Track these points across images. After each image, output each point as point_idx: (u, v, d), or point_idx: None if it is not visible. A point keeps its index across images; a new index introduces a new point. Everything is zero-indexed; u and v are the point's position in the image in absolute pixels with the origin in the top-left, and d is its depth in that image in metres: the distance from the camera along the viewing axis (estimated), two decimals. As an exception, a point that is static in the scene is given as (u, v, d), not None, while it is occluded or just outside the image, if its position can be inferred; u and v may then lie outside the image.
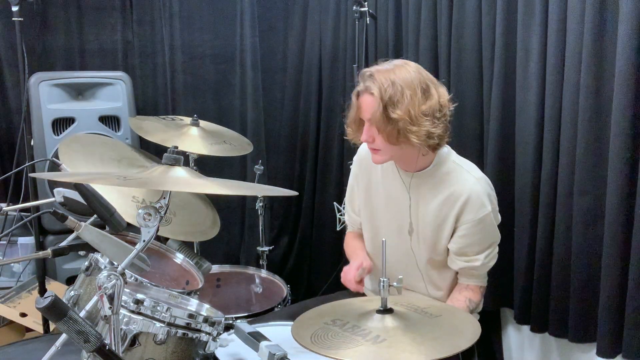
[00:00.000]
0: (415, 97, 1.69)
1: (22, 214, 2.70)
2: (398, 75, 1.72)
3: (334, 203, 2.68)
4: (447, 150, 1.87)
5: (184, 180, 1.37)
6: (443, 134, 1.75)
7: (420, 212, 1.87)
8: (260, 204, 2.84)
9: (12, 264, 2.89)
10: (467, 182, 1.81)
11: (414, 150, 1.78)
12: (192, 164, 2.63)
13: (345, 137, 1.95)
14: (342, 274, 1.93)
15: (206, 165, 2.92)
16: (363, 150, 2.04)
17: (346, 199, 2.15)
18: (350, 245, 2.14)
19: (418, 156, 1.81)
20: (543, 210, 2.10)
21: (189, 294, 1.81)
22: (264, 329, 1.66)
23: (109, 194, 1.79)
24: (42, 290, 2.69)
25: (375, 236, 2.01)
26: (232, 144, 2.54)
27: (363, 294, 2.07)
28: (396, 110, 1.69)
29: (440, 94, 1.76)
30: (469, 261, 1.84)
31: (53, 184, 2.79)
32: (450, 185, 1.82)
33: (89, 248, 1.39)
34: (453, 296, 1.90)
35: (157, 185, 1.37)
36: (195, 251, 2.40)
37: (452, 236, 1.84)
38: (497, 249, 1.88)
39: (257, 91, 3.52)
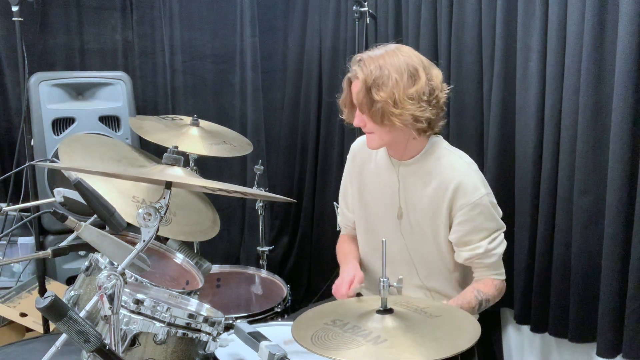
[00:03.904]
0: (401, 80, 1.70)
1: (22, 214, 2.70)
2: (387, 60, 1.74)
3: (334, 203, 2.68)
4: (438, 139, 1.88)
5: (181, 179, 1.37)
6: (434, 117, 1.76)
7: (410, 198, 1.87)
8: (260, 204, 2.84)
9: (12, 264, 2.89)
10: (458, 166, 1.82)
11: (404, 134, 1.79)
12: (192, 164, 2.62)
13: (340, 117, 1.96)
14: (334, 287, 1.90)
15: (206, 166, 2.92)
16: (356, 146, 2.05)
17: (340, 197, 2.16)
18: (343, 248, 2.14)
19: (408, 140, 1.81)
20: (543, 210, 2.10)
21: (189, 294, 1.81)
22: (264, 329, 1.66)
23: (109, 194, 1.79)
24: (42, 290, 2.69)
25: (370, 230, 2.01)
26: (232, 144, 2.54)
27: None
28: (379, 92, 1.70)
29: (432, 76, 1.76)
30: (472, 249, 1.81)
31: (53, 184, 2.79)
32: (442, 171, 1.82)
33: (89, 248, 1.39)
34: (464, 290, 1.87)
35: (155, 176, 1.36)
36: (195, 251, 2.40)
37: (450, 227, 1.83)
38: (502, 236, 1.85)
39: (257, 91, 3.52)
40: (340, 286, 1.88)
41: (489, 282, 1.86)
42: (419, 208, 1.86)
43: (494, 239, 1.82)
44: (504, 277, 1.89)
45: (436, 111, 1.76)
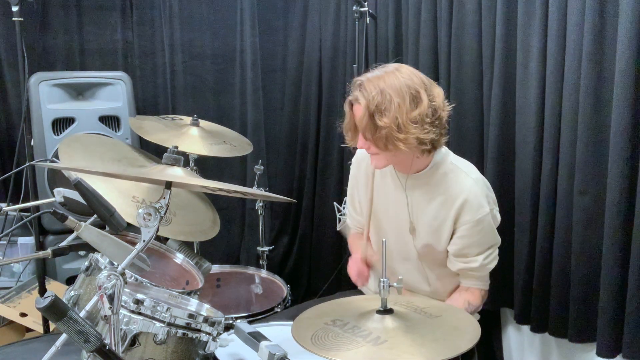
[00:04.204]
0: (403, 104, 1.68)
1: (22, 214, 2.70)
2: (387, 83, 1.70)
3: (334, 203, 2.68)
4: (444, 151, 1.87)
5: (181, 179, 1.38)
6: (437, 138, 1.74)
7: (418, 212, 1.88)
8: (260, 204, 2.84)
9: (12, 264, 2.89)
10: (465, 183, 1.81)
11: (408, 154, 1.78)
12: (192, 164, 2.63)
13: (342, 145, 1.95)
14: (349, 268, 1.95)
15: (206, 166, 2.92)
16: (359, 153, 2.04)
17: (347, 200, 2.16)
18: (354, 242, 2.15)
19: (413, 159, 1.81)
20: (543, 210, 2.10)
21: (189, 294, 1.81)
22: (264, 329, 1.66)
23: (109, 194, 1.79)
24: (42, 290, 2.69)
25: (379, 236, 2.01)
26: (232, 144, 2.54)
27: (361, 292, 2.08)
28: (383, 118, 1.68)
29: (434, 96, 1.73)
30: (468, 262, 1.84)
31: (53, 184, 2.79)
32: (448, 187, 1.82)
33: (89, 248, 1.39)
34: (453, 297, 1.90)
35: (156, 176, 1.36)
36: (195, 251, 2.40)
37: (451, 238, 1.84)
38: (497, 252, 1.88)
39: (257, 91, 3.52)
40: (354, 268, 1.96)
41: (477, 293, 1.90)
42: (426, 221, 1.87)
43: (489, 255, 1.86)
44: (488, 287, 1.93)
45: (439, 131, 1.74)
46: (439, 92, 1.76)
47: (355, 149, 2.01)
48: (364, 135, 1.76)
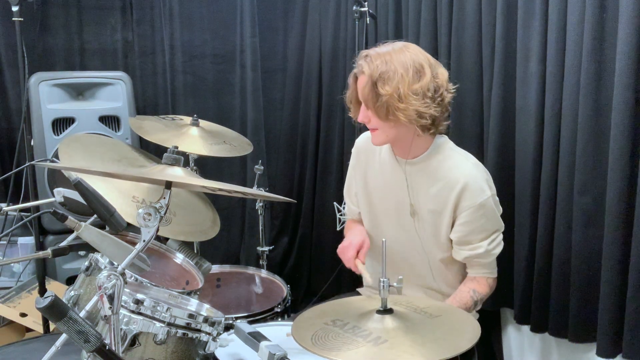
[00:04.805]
0: (406, 75, 1.72)
1: (22, 214, 2.70)
2: (393, 57, 1.75)
3: (334, 203, 2.67)
4: (444, 139, 1.89)
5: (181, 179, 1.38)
6: (438, 115, 1.77)
7: (419, 197, 1.87)
8: (260, 204, 2.84)
9: (12, 264, 2.89)
10: (465, 168, 1.82)
11: (408, 131, 1.79)
12: (192, 164, 2.62)
13: (350, 116, 1.96)
14: (340, 249, 1.92)
15: (206, 166, 2.92)
16: (360, 142, 2.06)
17: (345, 191, 2.16)
18: (349, 225, 2.15)
19: (413, 138, 1.82)
20: (543, 210, 2.10)
21: (189, 294, 1.81)
22: (264, 329, 1.66)
23: (109, 194, 1.79)
24: (42, 290, 2.68)
25: (376, 227, 2.01)
26: (232, 144, 2.54)
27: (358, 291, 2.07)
28: (385, 87, 1.72)
29: (437, 74, 1.77)
30: (473, 249, 1.84)
31: (53, 184, 2.80)
32: (447, 171, 1.83)
33: (89, 248, 1.39)
34: (459, 289, 1.90)
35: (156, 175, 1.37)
36: (195, 251, 2.39)
37: (453, 225, 1.84)
38: (501, 236, 1.88)
39: (257, 91, 3.52)
40: (347, 249, 1.90)
41: (483, 281, 1.90)
42: (425, 207, 1.87)
43: (494, 239, 1.85)
44: (496, 274, 1.93)
45: (440, 109, 1.77)
46: (443, 72, 1.80)
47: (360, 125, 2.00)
48: (366, 105, 1.79)
